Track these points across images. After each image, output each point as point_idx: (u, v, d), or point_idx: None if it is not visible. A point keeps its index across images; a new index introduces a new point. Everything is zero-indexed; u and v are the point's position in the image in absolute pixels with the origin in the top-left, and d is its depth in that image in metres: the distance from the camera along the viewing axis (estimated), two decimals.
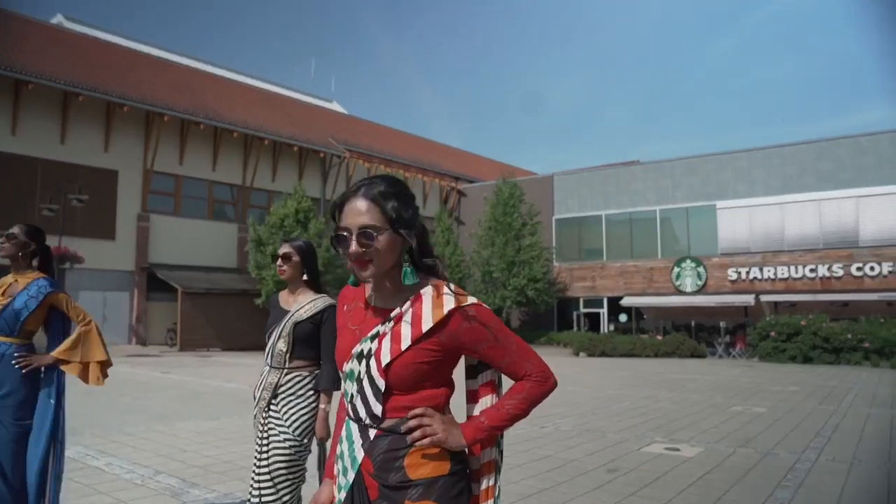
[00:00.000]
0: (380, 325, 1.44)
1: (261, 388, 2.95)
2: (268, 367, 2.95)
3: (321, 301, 2.98)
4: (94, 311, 20.62)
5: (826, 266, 24.57)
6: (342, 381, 1.51)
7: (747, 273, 26.01)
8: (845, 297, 23.71)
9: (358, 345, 1.45)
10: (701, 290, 26.84)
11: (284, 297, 3.05)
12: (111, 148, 22.10)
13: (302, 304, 2.95)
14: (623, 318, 29.19)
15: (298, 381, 2.91)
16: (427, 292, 1.42)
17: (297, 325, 2.89)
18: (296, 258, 2.96)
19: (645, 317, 29.07)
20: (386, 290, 1.46)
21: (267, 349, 2.98)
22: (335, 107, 36.27)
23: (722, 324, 26.46)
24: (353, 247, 1.37)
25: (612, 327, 28.62)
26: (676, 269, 27.57)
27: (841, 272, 24.30)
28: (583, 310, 30.02)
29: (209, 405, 9.18)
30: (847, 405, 9.90)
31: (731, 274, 26.31)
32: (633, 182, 29.69)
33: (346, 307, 1.58)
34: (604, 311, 29.48)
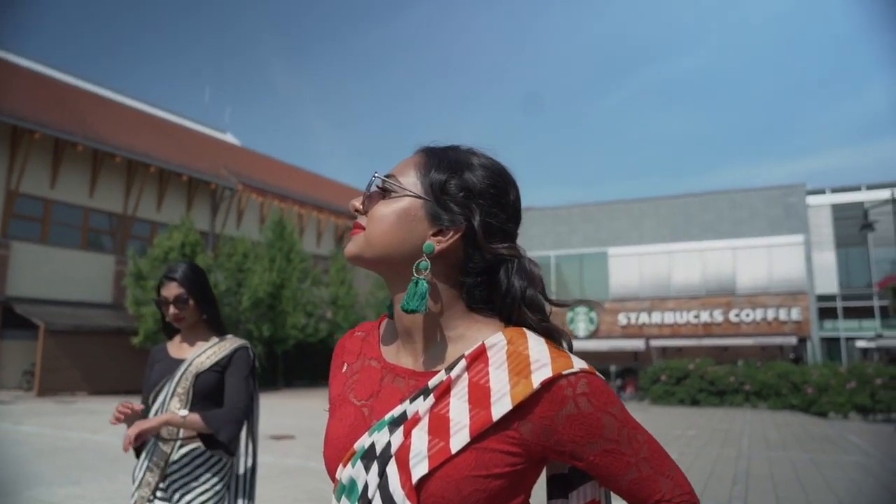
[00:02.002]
0: (408, 402, 0.84)
1: (143, 468, 2.21)
2: (152, 440, 2.23)
3: (228, 343, 2.34)
4: None
5: (708, 312, 25.83)
6: (334, 499, 0.86)
7: (637, 318, 26.87)
8: (725, 341, 24.96)
9: (366, 435, 0.85)
10: (593, 335, 27.42)
11: (175, 346, 2.37)
12: None
13: (202, 350, 2.29)
14: None
15: (199, 457, 2.21)
16: (498, 345, 0.84)
17: (198, 376, 2.22)
18: (191, 301, 2.28)
19: None
20: (419, 334, 0.88)
21: (152, 413, 2.26)
22: (229, 138, 34.74)
23: (612, 368, 27.08)
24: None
25: None
26: (570, 314, 28.05)
27: (721, 318, 25.60)
28: None
29: (69, 465, 7.87)
30: (747, 449, 10.02)
31: (622, 319, 27.09)
32: (530, 227, 30.16)
33: (346, 366, 0.98)
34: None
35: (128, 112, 27.35)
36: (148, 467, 2.18)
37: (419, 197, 0.87)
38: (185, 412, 2.14)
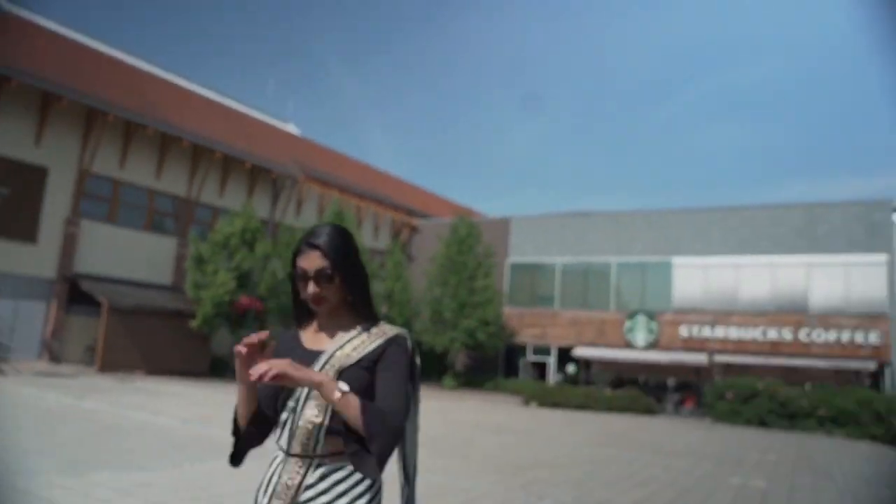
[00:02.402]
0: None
1: (269, 493, 1.72)
2: (281, 456, 1.74)
3: (380, 332, 1.78)
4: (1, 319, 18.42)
5: (776, 330, 24.57)
6: None
7: (699, 331, 25.78)
8: (794, 361, 23.67)
9: None
10: (652, 346, 26.44)
11: (311, 334, 1.84)
12: (43, 142, 20.10)
13: (346, 340, 1.76)
14: (571, 368, 28.52)
15: (341, 479, 1.68)
16: None
17: (341, 373, 1.69)
18: (337, 277, 1.76)
19: (593, 369, 28.47)
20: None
21: (281, 423, 1.77)
22: (291, 128, 34.88)
23: (670, 382, 26.07)
24: None
25: (559, 377, 27.88)
26: (628, 323, 27.14)
27: (790, 337, 24.32)
28: (531, 357, 29.21)
29: (133, 448, 7.64)
30: (843, 481, 9.19)
31: (683, 331, 26.04)
32: (590, 231, 29.38)
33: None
34: (551, 360, 28.73)
35: (195, 98, 27.67)
36: (275, 491, 1.71)
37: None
38: (345, 386, 1.63)
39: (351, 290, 1.79)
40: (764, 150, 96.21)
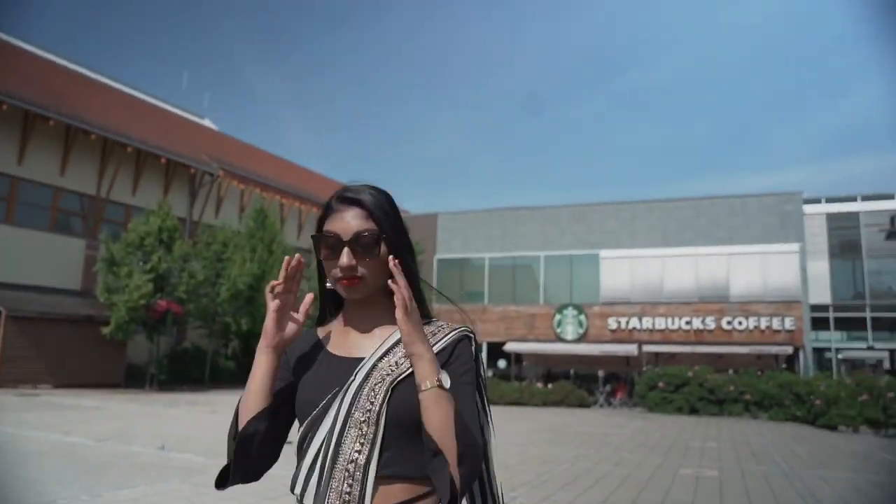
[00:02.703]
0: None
1: None
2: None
3: (438, 331, 1.29)
4: None
5: (700, 319, 25.28)
6: None
7: (627, 322, 26.23)
8: (719, 349, 24.42)
9: None
10: (581, 339, 26.72)
11: (339, 334, 1.31)
12: None
13: (392, 343, 1.25)
14: (502, 363, 28.52)
15: None
16: None
17: (393, 389, 1.18)
18: (383, 247, 1.24)
19: (525, 364, 28.54)
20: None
21: (304, 466, 1.19)
22: (207, 123, 33.29)
23: (600, 372, 26.40)
24: None
25: (490, 373, 27.77)
26: (558, 316, 27.33)
27: (713, 325, 25.08)
28: None
29: (38, 476, 6.74)
30: (786, 465, 9.27)
31: (612, 323, 26.42)
32: (517, 226, 29.42)
33: None
34: (482, 356, 28.55)
35: (103, 89, 25.87)
36: None
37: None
38: (447, 380, 1.14)
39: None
40: (680, 146, 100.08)
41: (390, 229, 1.25)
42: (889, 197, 25.80)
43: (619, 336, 26.16)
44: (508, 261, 29.31)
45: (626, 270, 27.12)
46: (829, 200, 26.26)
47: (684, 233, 26.45)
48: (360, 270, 1.21)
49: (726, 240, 25.70)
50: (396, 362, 1.21)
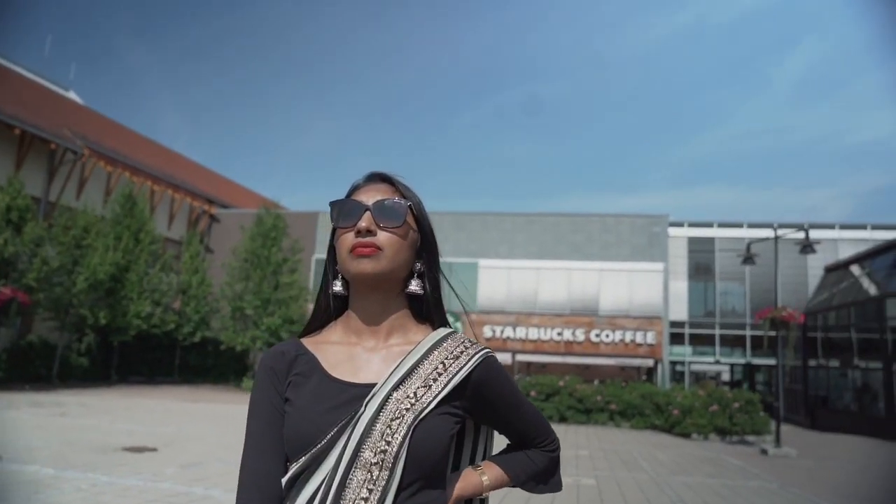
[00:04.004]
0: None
1: None
2: None
3: (457, 346, 1.14)
4: None
5: (571, 330, 26.39)
6: None
7: (502, 331, 26.87)
8: (586, 360, 25.60)
9: None
10: None
11: (337, 349, 1.12)
12: None
13: (410, 366, 1.06)
14: None
15: None
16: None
17: (419, 424, 0.99)
18: (410, 229, 1.13)
19: None
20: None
21: (300, 498, 0.97)
22: (72, 96, 30.51)
23: None
24: None
25: None
26: None
27: (583, 337, 26.26)
28: None
29: None
30: (653, 471, 9.75)
31: (487, 331, 26.96)
32: None
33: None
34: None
35: None
36: None
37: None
38: (486, 475, 1.13)
39: (425, 268, 1.18)
40: (551, 163, 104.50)
41: (419, 212, 1.15)
42: (739, 225, 28.23)
43: (493, 344, 26.68)
44: None
45: (503, 280, 27.80)
46: (690, 225, 28.31)
47: (560, 247, 27.53)
48: (380, 240, 1.06)
49: (598, 256, 27.03)
50: (415, 393, 1.02)
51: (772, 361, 27.30)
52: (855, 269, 24.17)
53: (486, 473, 1.14)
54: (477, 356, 1.10)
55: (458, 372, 1.05)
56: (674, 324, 27.39)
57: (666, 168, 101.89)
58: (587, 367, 25.42)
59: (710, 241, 28.18)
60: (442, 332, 1.13)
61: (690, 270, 28.23)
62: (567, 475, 9.08)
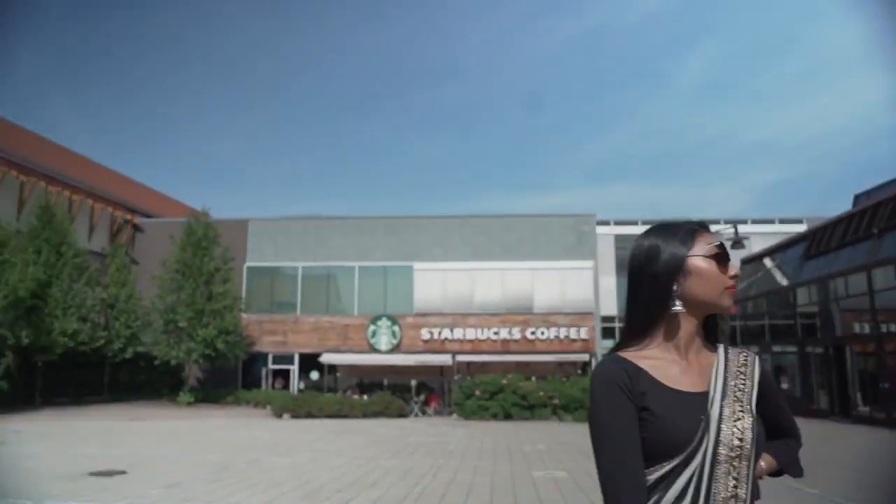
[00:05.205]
0: None
1: None
2: None
3: (736, 352, 1.37)
4: None
5: (507, 329, 27.01)
6: None
7: (440, 333, 27.17)
8: (524, 357, 26.26)
9: None
10: (395, 349, 27.16)
11: (661, 364, 1.28)
12: None
13: (721, 373, 1.29)
14: (315, 375, 27.96)
15: None
16: None
17: (754, 421, 1.26)
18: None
19: (338, 374, 28.27)
20: None
21: (669, 494, 1.18)
22: None
23: (413, 382, 27.01)
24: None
25: (302, 385, 27.16)
26: (372, 327, 27.52)
27: (519, 335, 26.93)
28: (272, 366, 27.97)
29: None
30: None
31: (425, 334, 27.20)
32: (332, 236, 29.14)
33: None
34: (295, 368, 27.90)
35: None
36: None
37: None
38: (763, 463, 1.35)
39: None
40: (456, 165, 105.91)
41: None
42: None
43: (431, 346, 26.99)
44: (322, 270, 28.89)
45: (438, 282, 28.11)
46: (616, 223, 29.59)
47: (493, 248, 28.10)
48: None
49: (531, 255, 27.78)
50: (736, 396, 1.25)
51: None
52: (767, 261, 25.96)
53: (764, 460, 1.36)
54: (755, 359, 1.36)
55: (753, 375, 1.31)
56: (605, 318, 28.52)
57: (577, 167, 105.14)
58: (526, 364, 26.06)
59: (634, 238, 29.55)
60: (720, 345, 1.36)
61: (618, 266, 29.50)
62: (536, 469, 9.47)
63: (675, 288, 1.27)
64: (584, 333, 26.58)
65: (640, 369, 1.27)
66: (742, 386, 1.27)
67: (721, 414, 1.21)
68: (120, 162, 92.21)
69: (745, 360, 1.33)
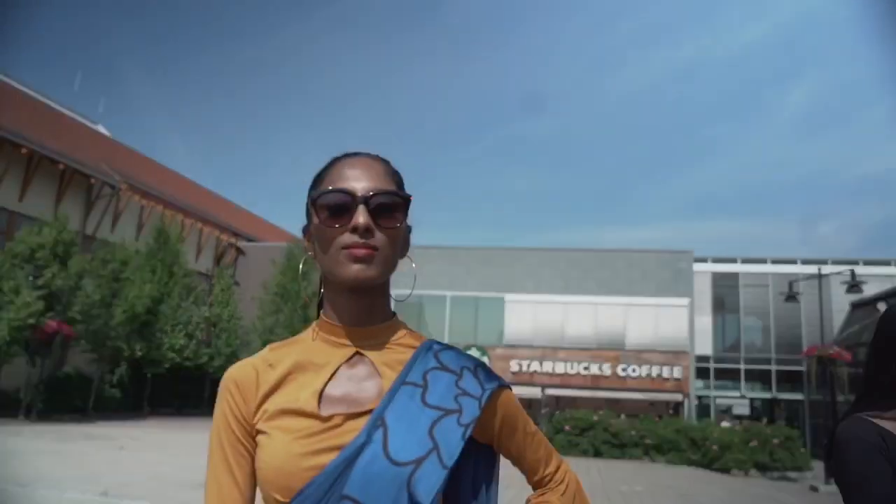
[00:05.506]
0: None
1: None
2: None
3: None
4: None
5: (598, 365, 26.46)
6: None
7: (528, 365, 26.93)
8: (614, 394, 25.62)
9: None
10: None
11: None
12: None
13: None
14: None
15: None
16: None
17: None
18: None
19: None
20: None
21: None
22: (102, 130, 31.10)
23: None
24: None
25: None
26: None
27: (609, 371, 26.32)
28: None
29: None
30: None
31: (514, 365, 27.02)
32: (425, 264, 29.54)
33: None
34: None
35: None
36: None
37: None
38: None
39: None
40: (558, 197, 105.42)
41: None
42: (763, 261, 28.51)
43: (520, 378, 26.75)
44: (415, 298, 29.30)
45: (529, 315, 27.96)
46: (714, 260, 28.59)
47: (586, 282, 27.74)
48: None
49: (624, 290, 27.22)
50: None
51: (797, 396, 27.36)
52: (881, 306, 24.35)
53: None
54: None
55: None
56: (699, 358, 27.47)
57: (670, 200, 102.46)
58: (616, 401, 25.42)
59: (734, 276, 28.44)
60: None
61: (714, 305, 28.43)
62: None
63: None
64: (676, 373, 25.66)
65: (890, 432, 1.27)
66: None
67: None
68: (225, 187, 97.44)
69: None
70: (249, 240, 32.71)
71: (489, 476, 1.00)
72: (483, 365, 1.01)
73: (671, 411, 25.75)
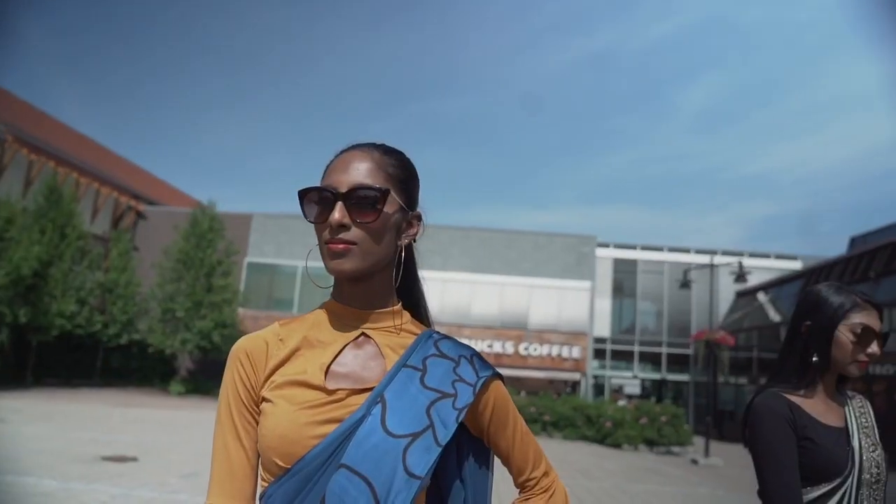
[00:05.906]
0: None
1: None
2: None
3: (856, 397, 1.62)
4: None
5: (501, 343, 27.22)
6: None
7: None
8: (516, 372, 26.46)
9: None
10: None
11: (814, 404, 1.52)
12: None
13: (855, 409, 1.58)
14: None
15: None
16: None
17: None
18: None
19: None
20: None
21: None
22: None
23: None
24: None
25: None
26: None
27: (512, 350, 27.14)
28: None
29: None
30: (611, 482, 10.48)
31: None
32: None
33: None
34: None
35: None
36: None
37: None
38: None
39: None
40: (470, 176, 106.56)
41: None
42: (660, 249, 30.06)
43: None
44: (321, 271, 28.60)
45: (436, 292, 28.27)
46: (616, 246, 29.88)
47: (493, 261, 28.35)
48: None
49: (529, 272, 28.04)
50: (865, 431, 1.49)
51: (684, 377, 29.22)
52: (761, 296, 26.33)
53: None
54: (867, 402, 1.62)
55: (871, 415, 1.54)
56: (597, 339, 28.77)
57: (575, 187, 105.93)
58: (517, 379, 26.27)
59: (633, 262, 29.86)
60: (845, 390, 1.61)
61: (614, 289, 29.79)
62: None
63: (824, 345, 1.48)
64: (576, 353, 26.82)
65: (798, 405, 1.48)
66: (866, 423, 1.48)
67: (860, 445, 1.42)
68: (127, 148, 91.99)
69: (862, 403, 1.55)
70: (151, 203, 31.18)
71: (483, 474, 1.08)
72: (478, 354, 1.09)
73: (569, 389, 26.90)
